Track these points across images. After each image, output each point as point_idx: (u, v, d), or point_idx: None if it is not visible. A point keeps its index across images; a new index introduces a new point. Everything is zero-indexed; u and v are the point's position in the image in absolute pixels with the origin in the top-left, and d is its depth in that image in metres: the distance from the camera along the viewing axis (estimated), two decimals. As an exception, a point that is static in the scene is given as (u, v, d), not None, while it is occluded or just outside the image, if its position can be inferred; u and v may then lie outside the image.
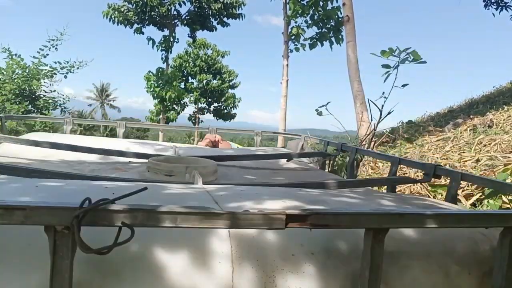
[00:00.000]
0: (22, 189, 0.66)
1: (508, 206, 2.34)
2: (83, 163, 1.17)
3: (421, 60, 2.05)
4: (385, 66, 2.21)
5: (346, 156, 1.58)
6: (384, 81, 2.27)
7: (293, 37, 10.21)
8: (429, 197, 3.03)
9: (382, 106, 2.16)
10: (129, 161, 1.23)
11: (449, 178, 0.86)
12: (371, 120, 2.24)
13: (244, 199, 0.64)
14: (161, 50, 13.29)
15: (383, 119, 2.14)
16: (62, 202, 0.42)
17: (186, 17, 14.06)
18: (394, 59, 2.15)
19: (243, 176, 1.18)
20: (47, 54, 8.86)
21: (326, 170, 1.59)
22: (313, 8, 9.50)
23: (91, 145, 1.25)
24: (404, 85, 2.21)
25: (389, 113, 2.17)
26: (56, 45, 8.94)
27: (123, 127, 1.65)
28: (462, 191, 2.39)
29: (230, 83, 19.84)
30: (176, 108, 15.38)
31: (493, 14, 10.85)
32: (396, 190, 1.16)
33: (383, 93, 2.17)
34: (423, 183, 1.11)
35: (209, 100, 19.06)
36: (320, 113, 2.23)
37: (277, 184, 0.93)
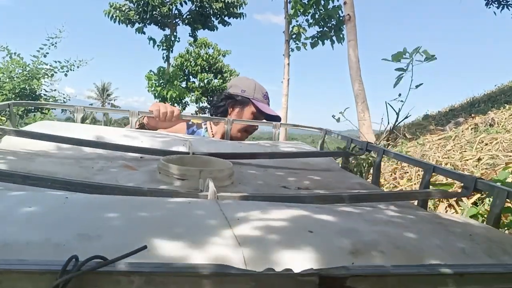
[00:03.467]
0: (8, 210, 0.54)
1: (509, 205, 2.37)
2: (92, 158, 1.11)
3: (433, 57, 2.05)
4: (399, 69, 2.21)
5: (368, 157, 1.45)
6: (394, 86, 2.26)
7: (294, 36, 10.23)
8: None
9: (400, 109, 2.19)
10: (141, 157, 1.16)
11: (492, 195, 0.73)
12: (388, 123, 2.25)
13: (265, 222, 0.56)
14: (162, 49, 13.29)
15: (400, 122, 2.16)
16: (43, 261, 0.35)
17: (187, 16, 14.06)
18: (405, 61, 2.15)
19: (261, 178, 1.08)
20: (47, 53, 8.86)
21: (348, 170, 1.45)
22: (314, 7, 9.51)
23: (102, 135, 1.20)
24: (418, 86, 2.22)
25: (406, 117, 2.19)
26: (56, 43, 8.92)
27: (135, 116, 1.57)
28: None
29: (231, 82, 19.85)
30: (178, 107, 15.39)
31: (495, 13, 10.86)
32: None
33: (400, 95, 2.19)
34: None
35: (211, 99, 19.18)
36: (338, 120, 2.24)
37: (299, 196, 0.83)
